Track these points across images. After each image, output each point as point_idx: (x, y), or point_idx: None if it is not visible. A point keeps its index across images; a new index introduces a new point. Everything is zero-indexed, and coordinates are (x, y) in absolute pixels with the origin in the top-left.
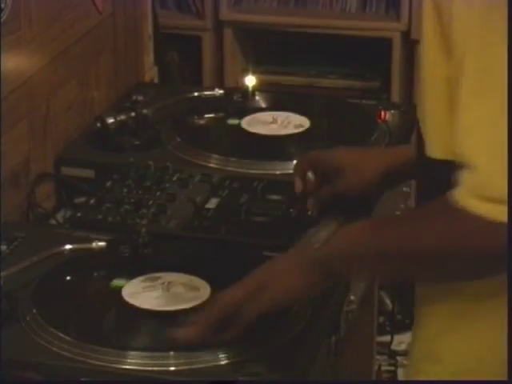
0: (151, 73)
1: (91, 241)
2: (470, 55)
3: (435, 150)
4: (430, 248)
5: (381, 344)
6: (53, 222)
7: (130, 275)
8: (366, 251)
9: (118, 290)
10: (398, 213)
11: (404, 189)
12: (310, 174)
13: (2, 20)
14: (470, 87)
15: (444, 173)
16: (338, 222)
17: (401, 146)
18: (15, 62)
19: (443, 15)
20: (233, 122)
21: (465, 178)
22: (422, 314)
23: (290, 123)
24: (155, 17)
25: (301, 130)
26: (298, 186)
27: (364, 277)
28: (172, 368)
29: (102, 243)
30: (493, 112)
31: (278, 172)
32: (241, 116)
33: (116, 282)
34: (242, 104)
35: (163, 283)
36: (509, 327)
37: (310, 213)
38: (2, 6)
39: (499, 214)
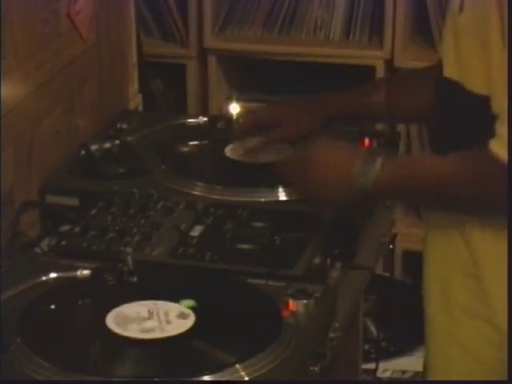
0: (136, 101)
1: (76, 269)
2: None
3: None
4: (466, 186)
5: (366, 371)
6: (37, 250)
7: (116, 303)
8: (417, 185)
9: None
10: (384, 239)
11: (391, 216)
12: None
13: None
14: None
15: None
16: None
17: (363, 88)
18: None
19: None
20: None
21: (501, 132)
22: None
23: (274, 150)
24: (140, 45)
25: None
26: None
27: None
28: None
29: (86, 271)
30: None
31: (262, 199)
32: (225, 143)
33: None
34: (226, 132)
35: (149, 311)
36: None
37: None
38: None
39: None
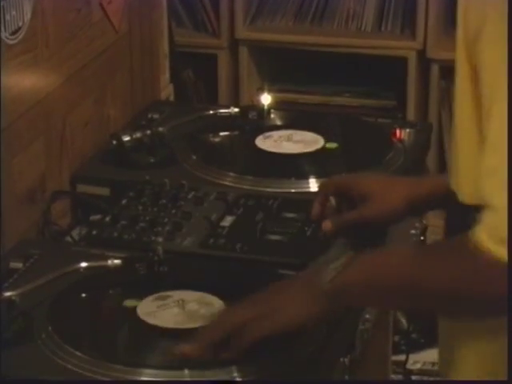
0: (167, 91)
1: (106, 258)
2: (496, 104)
3: (465, 195)
4: (443, 286)
5: (396, 363)
6: (68, 239)
7: (146, 293)
8: (380, 285)
9: (132, 310)
10: (415, 231)
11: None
12: (332, 200)
13: (20, 37)
14: (498, 131)
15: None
16: (352, 251)
17: (427, 176)
18: (32, 81)
19: (476, 66)
20: None
21: (485, 219)
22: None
23: (305, 141)
24: (171, 35)
25: (316, 148)
26: (316, 211)
27: (375, 307)
28: None
29: (117, 261)
30: None
31: (293, 190)
32: (256, 134)
33: (128, 302)
34: (258, 122)
35: (178, 301)
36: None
37: (323, 234)
38: (20, 24)
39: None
